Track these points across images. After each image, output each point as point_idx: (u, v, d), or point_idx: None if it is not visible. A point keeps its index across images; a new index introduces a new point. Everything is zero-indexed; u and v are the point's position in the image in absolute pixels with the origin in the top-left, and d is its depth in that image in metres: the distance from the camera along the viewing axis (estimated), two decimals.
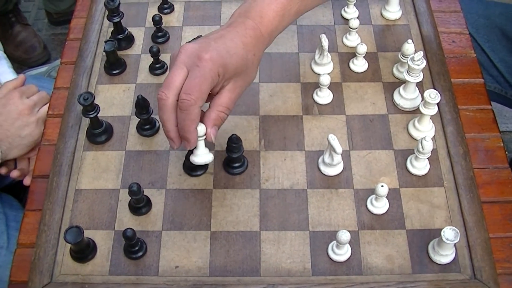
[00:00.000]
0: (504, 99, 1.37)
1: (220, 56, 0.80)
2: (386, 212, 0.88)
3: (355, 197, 0.90)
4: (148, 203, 0.89)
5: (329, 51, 1.03)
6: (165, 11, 1.16)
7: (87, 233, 0.86)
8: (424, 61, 0.95)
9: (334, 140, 0.87)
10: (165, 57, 1.07)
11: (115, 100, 1.03)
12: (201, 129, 0.82)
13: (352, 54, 1.06)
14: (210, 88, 0.81)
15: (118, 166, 0.94)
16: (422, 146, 0.88)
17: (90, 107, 0.93)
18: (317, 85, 1.01)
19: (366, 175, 0.92)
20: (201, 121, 0.83)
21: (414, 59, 0.94)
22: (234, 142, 0.89)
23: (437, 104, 0.93)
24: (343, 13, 1.14)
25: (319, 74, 1.02)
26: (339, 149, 0.87)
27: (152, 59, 1.05)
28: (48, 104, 1.07)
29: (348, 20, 1.09)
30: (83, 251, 0.84)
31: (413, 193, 0.90)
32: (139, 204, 0.88)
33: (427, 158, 0.91)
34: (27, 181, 1.18)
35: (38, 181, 0.95)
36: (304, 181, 0.92)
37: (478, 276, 0.82)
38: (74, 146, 0.97)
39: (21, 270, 0.86)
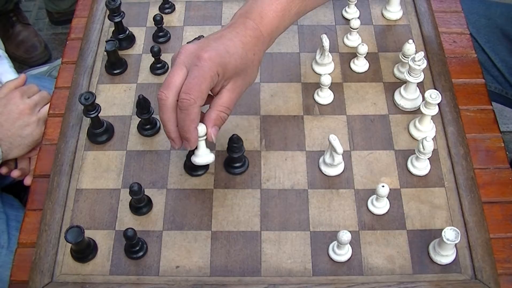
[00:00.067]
0: (504, 99, 1.37)
1: (219, 55, 0.80)
2: (386, 212, 0.88)
3: (356, 197, 0.90)
4: (148, 203, 0.89)
5: (330, 51, 1.03)
6: (166, 11, 1.16)
7: (88, 233, 0.86)
8: (425, 61, 0.95)
9: (335, 140, 0.87)
10: (166, 57, 1.07)
11: (116, 100, 1.03)
12: (202, 129, 0.82)
13: (353, 54, 1.06)
14: (210, 88, 0.81)
15: (119, 166, 0.94)
16: (423, 147, 0.88)
17: (91, 107, 0.93)
18: (318, 85, 1.01)
19: (367, 175, 0.92)
20: (202, 121, 0.83)
21: (415, 59, 0.94)
22: (235, 142, 0.89)
23: (438, 104, 0.93)
24: (344, 13, 1.14)
25: (320, 74, 1.02)
26: (340, 149, 0.87)
27: (153, 59, 1.05)
28: (49, 104, 1.07)
29: (349, 20, 1.09)
30: (84, 251, 0.84)
31: (414, 193, 0.90)
32: (140, 204, 0.88)
33: (428, 159, 0.91)
34: (27, 181, 1.18)
35: (39, 181, 0.95)
36: (305, 181, 0.92)
37: (478, 277, 0.82)
38: (75, 145, 0.97)
39: (22, 269, 0.86)
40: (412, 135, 0.96)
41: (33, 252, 0.86)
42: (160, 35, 1.11)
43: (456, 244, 0.82)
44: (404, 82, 1.00)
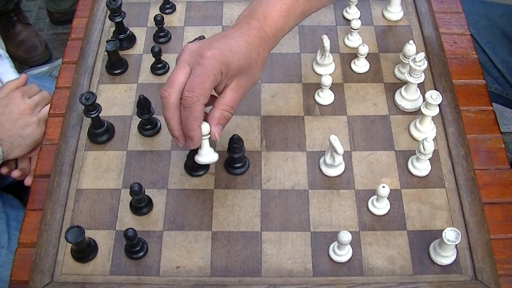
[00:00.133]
0: (505, 100, 1.37)
1: (222, 54, 0.80)
2: (387, 213, 0.88)
3: (356, 198, 0.90)
4: (149, 203, 0.89)
5: (330, 52, 1.03)
6: (167, 11, 1.16)
7: (88, 233, 0.86)
8: (426, 62, 0.95)
9: (335, 140, 0.87)
10: (166, 57, 1.07)
11: (116, 100, 1.03)
12: (205, 127, 0.82)
13: (353, 54, 1.06)
14: (213, 86, 0.81)
15: (119, 166, 0.94)
16: (423, 147, 0.88)
17: (91, 107, 0.93)
18: (318, 86, 1.01)
19: (367, 176, 0.92)
20: (206, 120, 0.83)
21: (415, 60, 0.94)
22: (235, 143, 0.89)
23: (439, 105, 0.93)
24: (344, 13, 1.14)
25: (320, 75, 1.02)
26: (340, 150, 0.87)
27: (153, 59, 1.05)
28: (49, 104, 1.07)
29: (349, 20, 1.09)
30: (84, 251, 0.84)
31: (414, 194, 0.90)
32: (140, 204, 0.88)
33: (428, 159, 0.91)
34: (28, 181, 1.18)
35: (39, 181, 0.95)
36: (305, 182, 0.92)
37: (479, 277, 0.82)
38: (76, 145, 0.97)
39: (22, 269, 0.86)
40: (413, 136, 0.96)
41: (34, 252, 0.86)
42: (161, 35, 1.11)
43: (456, 245, 0.82)
44: (404, 82, 1.00)
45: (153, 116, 0.97)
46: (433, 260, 0.84)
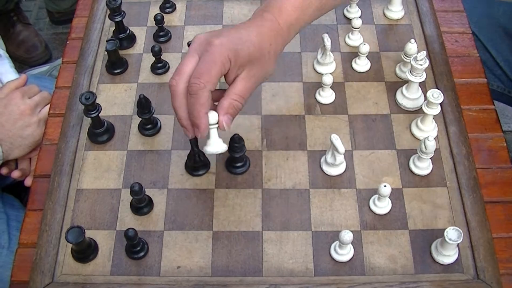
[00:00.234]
0: (507, 98, 1.36)
1: (231, 41, 0.79)
2: (388, 212, 0.88)
3: (358, 197, 0.90)
4: (149, 203, 0.89)
5: (331, 51, 1.03)
6: (167, 10, 1.15)
7: (89, 233, 0.85)
8: (427, 61, 0.94)
9: (336, 140, 0.87)
10: (166, 57, 1.07)
11: (116, 99, 1.03)
12: (213, 116, 0.80)
13: (354, 53, 1.06)
14: (221, 73, 0.79)
15: (119, 166, 0.94)
16: (425, 146, 0.88)
17: (91, 107, 0.92)
18: (319, 85, 1.00)
19: (368, 175, 0.92)
20: (215, 110, 0.81)
21: (417, 59, 0.94)
22: (236, 142, 0.89)
23: (440, 104, 0.93)
24: (345, 12, 1.13)
25: (321, 74, 1.02)
26: (341, 149, 0.87)
27: (153, 59, 1.05)
28: (49, 104, 1.07)
29: (350, 19, 1.09)
30: (85, 251, 0.84)
31: (416, 193, 0.90)
32: (141, 204, 0.88)
33: (430, 158, 0.91)
34: (28, 181, 1.18)
35: (39, 181, 0.95)
36: (306, 181, 0.91)
37: (481, 277, 0.82)
38: (76, 145, 0.96)
39: (22, 270, 0.85)
40: (414, 135, 0.96)
41: (34, 252, 0.85)
42: (161, 34, 1.11)
43: (458, 244, 0.81)
44: (406, 81, 1.00)
45: (153, 115, 0.96)
46: (435, 259, 0.83)
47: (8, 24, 2.20)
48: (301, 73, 1.05)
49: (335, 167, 0.91)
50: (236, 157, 0.90)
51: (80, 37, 1.12)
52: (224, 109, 0.81)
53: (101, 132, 0.96)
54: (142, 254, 0.84)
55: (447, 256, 0.83)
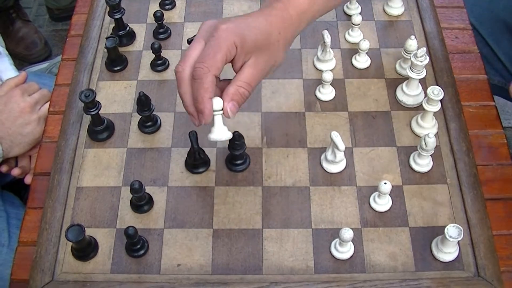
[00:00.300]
0: (507, 92, 1.36)
1: (237, 26, 0.79)
2: (389, 209, 0.88)
3: (358, 195, 0.90)
4: (150, 201, 0.89)
5: (331, 47, 1.03)
6: (167, 7, 1.15)
7: (89, 231, 0.85)
8: (427, 57, 0.94)
9: (337, 137, 0.87)
10: (166, 54, 1.07)
11: (116, 97, 1.03)
12: (217, 102, 0.79)
13: (354, 50, 1.06)
14: (226, 58, 0.78)
15: (119, 164, 0.94)
16: (425, 143, 0.87)
17: (91, 104, 0.92)
18: (319, 82, 1.00)
19: (369, 172, 0.92)
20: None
21: (417, 55, 0.94)
22: (236, 139, 0.89)
23: (440, 100, 0.92)
24: (345, 9, 1.13)
25: (321, 71, 1.02)
26: (341, 146, 0.87)
27: (153, 56, 1.04)
28: (49, 102, 1.07)
29: (350, 16, 1.09)
30: (85, 249, 0.84)
31: (416, 190, 0.90)
32: (141, 202, 0.88)
33: (430, 155, 0.91)
34: (28, 179, 1.18)
35: (39, 179, 0.95)
36: (306, 178, 0.91)
37: (481, 274, 0.82)
38: (75, 143, 0.96)
39: (22, 268, 0.85)
40: (414, 132, 0.96)
41: (34, 250, 0.85)
42: (161, 31, 1.10)
43: (458, 241, 0.81)
44: (406, 78, 1.00)
45: (153, 113, 0.96)
46: (435, 256, 0.83)
47: (8, 21, 2.20)
48: (301, 70, 1.05)
49: (335, 164, 0.91)
50: (236, 154, 0.90)
51: (80, 34, 1.12)
52: (229, 95, 0.80)
53: (101, 130, 0.96)
54: (142, 252, 0.84)
55: (448, 253, 0.83)
